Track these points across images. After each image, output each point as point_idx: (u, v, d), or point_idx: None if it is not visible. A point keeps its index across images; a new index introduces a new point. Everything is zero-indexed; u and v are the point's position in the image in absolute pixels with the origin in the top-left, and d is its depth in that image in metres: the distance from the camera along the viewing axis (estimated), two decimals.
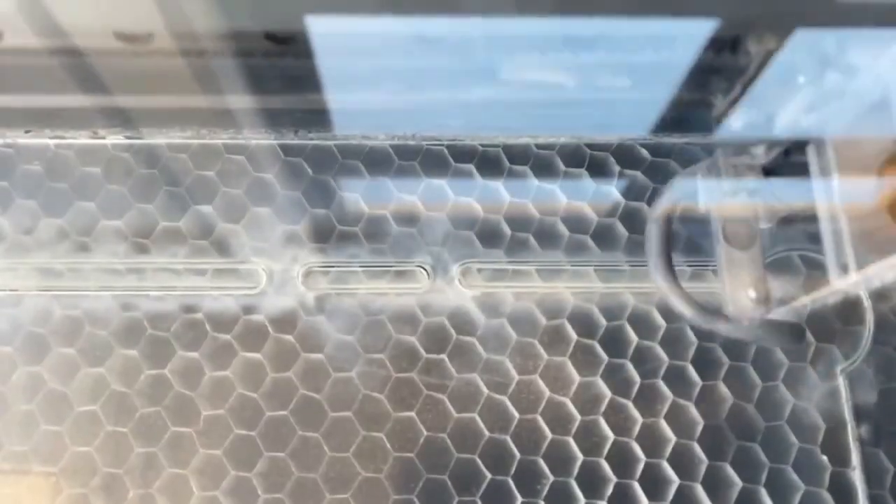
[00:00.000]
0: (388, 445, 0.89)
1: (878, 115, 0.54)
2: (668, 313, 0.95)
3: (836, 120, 0.57)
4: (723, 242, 0.66)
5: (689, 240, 0.98)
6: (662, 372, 0.92)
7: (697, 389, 0.92)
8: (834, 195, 0.58)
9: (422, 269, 0.96)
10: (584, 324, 0.94)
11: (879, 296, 0.97)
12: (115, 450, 0.89)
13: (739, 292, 0.64)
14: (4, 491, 0.87)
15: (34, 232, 0.97)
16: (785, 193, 0.68)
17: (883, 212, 0.57)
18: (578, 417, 0.91)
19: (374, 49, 0.49)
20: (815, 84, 0.54)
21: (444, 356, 0.92)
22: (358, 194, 0.99)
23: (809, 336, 0.95)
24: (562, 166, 1.01)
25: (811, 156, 0.60)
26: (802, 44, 0.46)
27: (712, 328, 0.69)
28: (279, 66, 0.51)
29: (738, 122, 0.62)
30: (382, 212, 0.98)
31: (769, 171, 0.68)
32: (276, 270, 0.95)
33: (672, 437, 0.90)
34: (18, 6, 0.42)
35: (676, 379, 0.92)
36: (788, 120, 0.60)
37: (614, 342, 0.94)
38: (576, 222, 0.99)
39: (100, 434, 0.89)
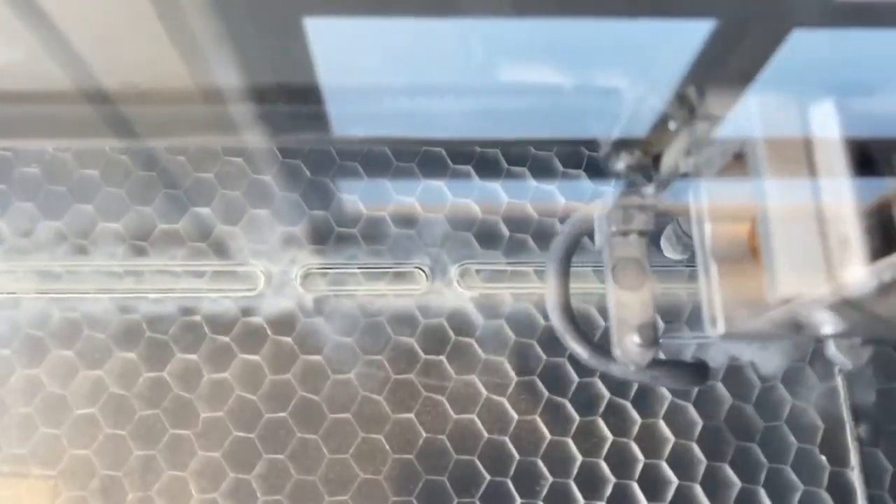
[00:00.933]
0: (387, 447, 0.89)
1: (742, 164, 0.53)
2: (666, 313, 0.95)
3: (709, 166, 0.57)
4: (611, 283, 0.65)
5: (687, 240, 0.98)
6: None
7: (696, 390, 0.92)
8: (706, 240, 0.57)
9: (420, 271, 0.96)
10: (582, 324, 0.94)
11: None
12: (114, 452, 0.88)
13: (625, 336, 0.62)
14: (3, 493, 0.87)
15: (32, 234, 0.96)
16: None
17: (749, 255, 0.55)
18: (577, 418, 0.91)
19: (373, 49, 0.49)
20: (687, 131, 0.54)
21: (442, 357, 0.92)
22: (356, 196, 0.99)
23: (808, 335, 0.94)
24: (560, 167, 1.01)
25: (692, 200, 0.60)
26: (798, 45, 0.46)
27: (605, 370, 0.68)
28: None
29: (621, 164, 0.61)
30: (381, 213, 0.98)
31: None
32: (274, 272, 0.95)
33: (671, 438, 0.90)
34: (52, 55, 0.42)
35: None
36: (670, 162, 0.60)
37: None
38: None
39: (98, 437, 0.89)
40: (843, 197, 0.44)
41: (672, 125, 0.54)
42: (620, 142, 0.60)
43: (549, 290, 0.69)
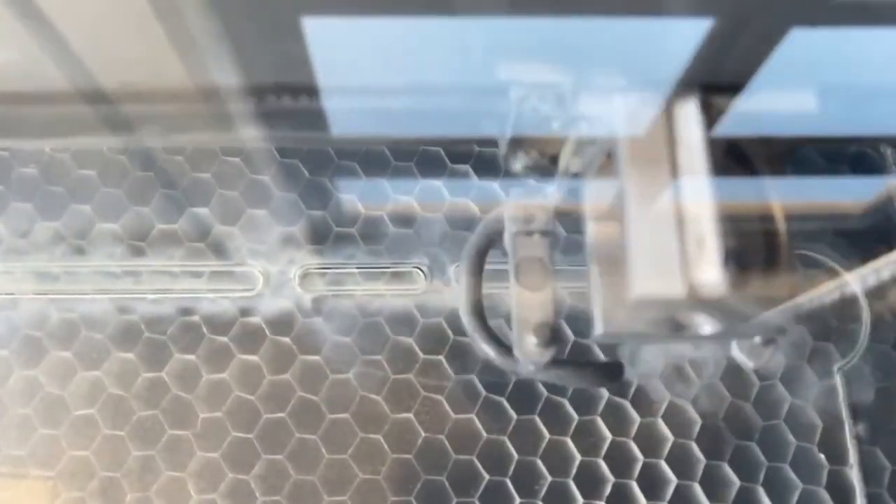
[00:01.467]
0: (386, 447, 0.89)
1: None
2: None
3: (591, 166, 0.56)
4: (514, 283, 0.64)
5: None
6: (660, 371, 0.92)
7: (695, 389, 0.92)
8: (587, 240, 0.57)
9: (418, 270, 0.96)
10: (581, 324, 0.94)
11: (876, 294, 0.97)
12: (113, 453, 0.88)
13: (523, 336, 0.62)
14: (2, 495, 0.87)
15: (30, 235, 0.96)
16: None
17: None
18: (576, 418, 0.91)
19: (371, 49, 0.49)
20: (569, 131, 0.54)
21: (441, 357, 0.92)
22: (354, 195, 0.99)
23: (806, 335, 0.95)
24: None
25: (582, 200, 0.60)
26: (797, 42, 0.46)
27: (513, 371, 0.68)
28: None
29: (518, 164, 0.61)
30: (379, 213, 0.98)
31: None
32: (272, 272, 0.95)
33: (670, 437, 0.90)
34: (49, 55, 0.42)
35: (674, 378, 0.92)
36: (563, 162, 0.59)
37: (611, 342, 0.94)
38: (573, 222, 0.99)
39: (97, 437, 0.89)
40: (701, 196, 0.43)
41: (555, 125, 0.54)
42: (517, 141, 0.59)
43: (461, 291, 0.68)
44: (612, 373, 0.70)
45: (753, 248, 0.47)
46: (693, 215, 0.42)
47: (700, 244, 0.41)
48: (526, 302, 0.62)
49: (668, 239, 0.42)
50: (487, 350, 0.66)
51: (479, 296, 0.68)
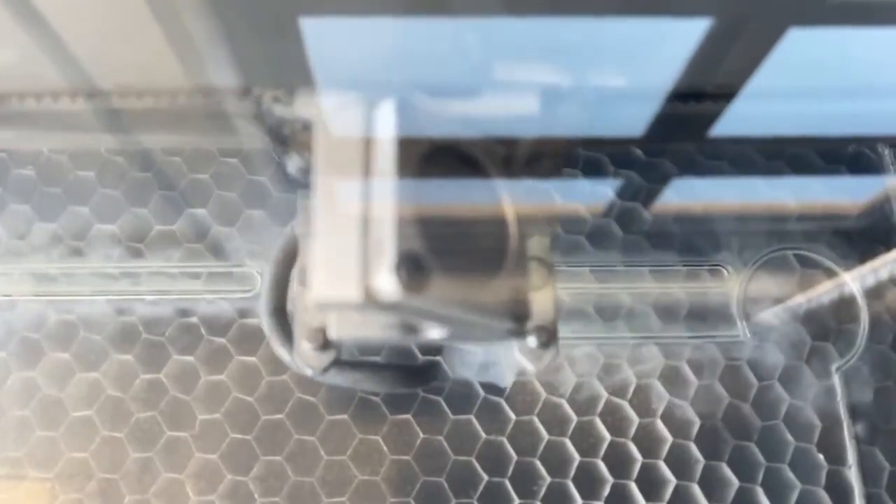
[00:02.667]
0: (385, 448, 0.89)
1: None
2: (663, 313, 0.95)
3: None
4: (298, 287, 0.62)
5: (684, 239, 0.98)
6: (659, 371, 0.92)
7: (694, 389, 0.92)
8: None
9: None
10: (579, 324, 0.94)
11: (874, 294, 0.97)
12: (111, 455, 0.88)
13: (301, 340, 0.60)
14: (0, 497, 0.87)
15: (28, 237, 0.96)
16: None
17: None
18: (575, 418, 0.91)
19: (370, 49, 0.49)
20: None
21: (440, 358, 0.92)
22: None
23: (805, 335, 0.95)
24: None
25: None
26: (795, 43, 0.46)
27: (312, 376, 0.66)
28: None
29: (292, 166, 0.60)
30: None
31: None
32: None
33: (669, 438, 0.90)
34: (52, 59, 0.42)
35: (673, 378, 0.92)
36: (290, 166, 0.58)
37: (610, 342, 0.94)
38: (570, 222, 0.99)
39: (95, 439, 0.89)
40: (386, 199, 0.41)
41: (285, 130, 0.54)
42: (284, 142, 0.58)
43: (264, 292, 0.68)
44: (423, 374, 0.69)
45: (465, 251, 0.46)
46: (378, 218, 0.41)
47: (379, 247, 0.40)
48: (306, 305, 0.60)
49: (352, 243, 0.40)
50: (281, 353, 0.66)
51: (283, 300, 0.68)
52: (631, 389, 0.92)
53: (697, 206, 1.01)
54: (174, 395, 0.91)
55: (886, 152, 1.04)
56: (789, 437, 0.91)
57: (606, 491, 0.88)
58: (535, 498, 0.88)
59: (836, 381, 0.93)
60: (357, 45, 0.48)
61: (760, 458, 0.90)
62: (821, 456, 0.90)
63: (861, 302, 0.96)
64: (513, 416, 0.91)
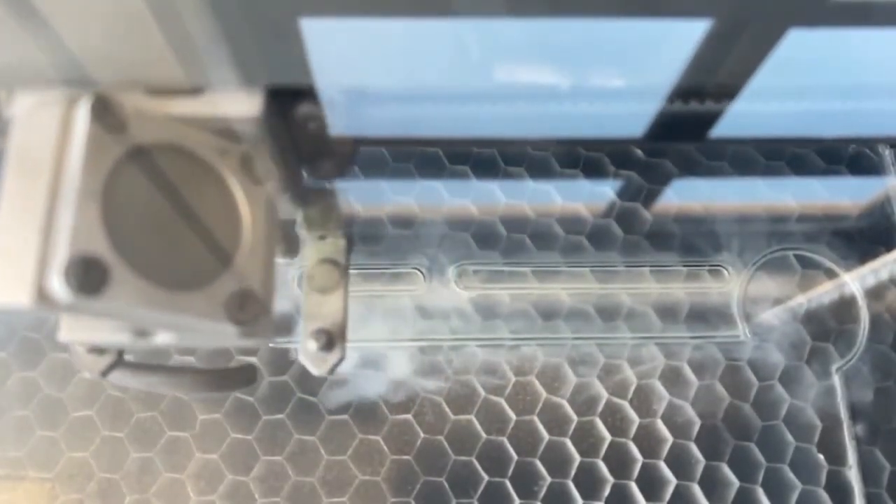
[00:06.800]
0: (385, 448, 0.89)
1: None
2: (664, 313, 0.95)
3: None
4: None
5: (684, 239, 0.98)
6: (659, 372, 0.93)
7: (694, 389, 0.92)
8: None
9: (417, 272, 0.96)
10: (580, 325, 0.94)
11: (874, 295, 0.97)
12: (111, 455, 0.88)
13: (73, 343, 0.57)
14: (1, 497, 0.87)
15: None
16: None
17: None
18: (575, 418, 0.91)
19: (370, 49, 0.49)
20: None
21: (439, 358, 0.92)
22: (352, 196, 0.99)
23: (805, 335, 0.95)
24: (557, 167, 1.01)
25: None
26: (795, 43, 0.46)
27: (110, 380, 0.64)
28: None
29: None
30: (377, 214, 0.98)
31: None
32: None
33: (669, 438, 0.90)
34: (51, 59, 0.42)
35: (673, 379, 0.92)
36: None
37: (611, 342, 0.94)
38: (571, 223, 0.99)
39: (95, 439, 0.89)
40: (69, 200, 0.40)
41: None
42: None
43: None
44: (235, 377, 0.67)
45: (176, 253, 0.44)
46: (57, 221, 0.39)
47: (53, 250, 0.39)
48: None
49: (30, 245, 0.39)
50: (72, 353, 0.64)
51: None
52: (631, 390, 0.92)
53: (698, 206, 1.01)
54: (174, 395, 0.91)
55: (886, 152, 1.04)
56: (790, 438, 0.91)
57: (607, 491, 0.88)
58: (535, 498, 0.88)
59: (837, 381, 0.93)
60: (357, 45, 0.48)
61: (761, 458, 0.90)
62: (821, 456, 0.90)
63: (861, 302, 0.97)
64: (513, 415, 0.91)
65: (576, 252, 0.98)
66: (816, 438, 0.91)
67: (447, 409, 0.91)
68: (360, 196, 0.99)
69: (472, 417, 0.90)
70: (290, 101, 0.51)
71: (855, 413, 0.92)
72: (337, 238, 0.67)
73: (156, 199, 0.45)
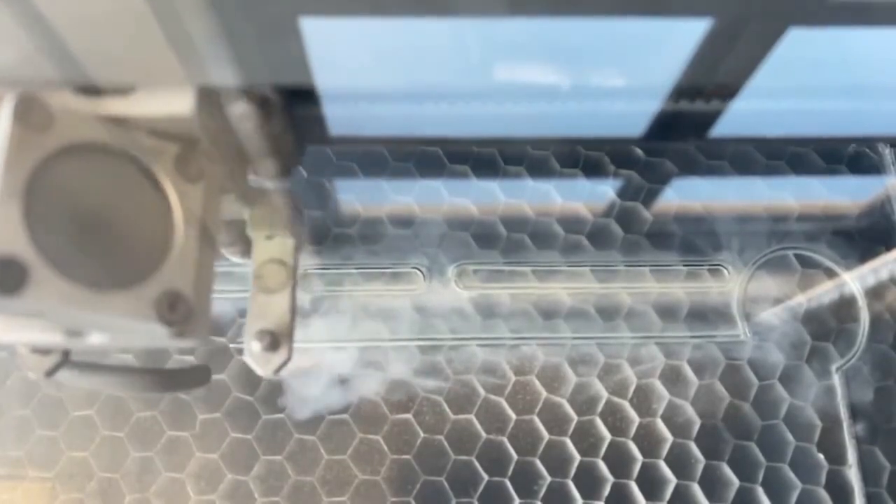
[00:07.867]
0: (385, 448, 0.89)
1: None
2: (664, 313, 0.95)
3: None
4: None
5: (684, 239, 0.98)
6: (659, 371, 0.92)
7: (694, 389, 0.92)
8: None
9: (417, 271, 0.96)
10: (580, 324, 0.94)
11: (874, 294, 0.97)
12: (111, 454, 0.88)
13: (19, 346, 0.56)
14: (1, 497, 0.87)
15: None
16: None
17: None
18: (575, 418, 0.91)
19: (368, 49, 0.49)
20: None
21: (440, 358, 0.92)
22: (353, 196, 0.99)
23: (805, 335, 0.95)
24: (557, 167, 1.01)
25: None
26: (795, 43, 0.46)
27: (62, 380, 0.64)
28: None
29: None
30: (378, 213, 0.98)
31: None
32: None
33: (669, 437, 0.90)
34: (50, 58, 0.42)
35: (673, 378, 0.92)
36: None
37: (611, 342, 0.94)
38: (571, 222, 0.99)
39: (95, 439, 0.89)
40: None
41: None
42: None
43: None
44: (186, 378, 0.66)
45: (102, 253, 0.44)
46: None
47: None
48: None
49: None
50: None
51: None
52: (631, 389, 0.92)
53: (698, 206, 1.01)
54: (174, 394, 0.91)
55: (886, 152, 1.04)
56: (790, 437, 0.91)
57: (607, 490, 0.88)
58: (535, 497, 0.88)
59: (837, 380, 0.93)
60: (357, 45, 0.48)
61: (761, 457, 0.90)
62: (821, 456, 0.90)
63: (861, 302, 0.97)
64: (513, 415, 0.91)
65: (576, 251, 0.98)
66: (816, 438, 0.91)
67: (447, 409, 0.91)
68: (360, 196, 0.99)
69: (472, 417, 0.90)
70: (288, 101, 0.50)
71: (855, 412, 0.92)
72: (285, 238, 0.66)
73: (83, 199, 0.44)
